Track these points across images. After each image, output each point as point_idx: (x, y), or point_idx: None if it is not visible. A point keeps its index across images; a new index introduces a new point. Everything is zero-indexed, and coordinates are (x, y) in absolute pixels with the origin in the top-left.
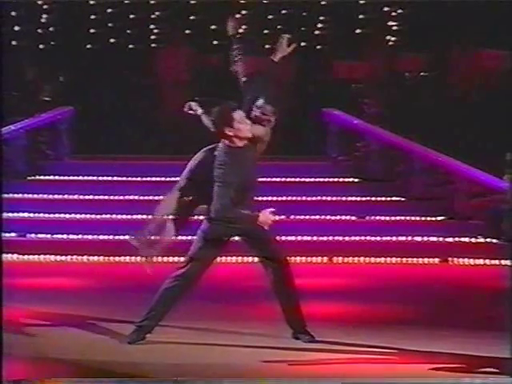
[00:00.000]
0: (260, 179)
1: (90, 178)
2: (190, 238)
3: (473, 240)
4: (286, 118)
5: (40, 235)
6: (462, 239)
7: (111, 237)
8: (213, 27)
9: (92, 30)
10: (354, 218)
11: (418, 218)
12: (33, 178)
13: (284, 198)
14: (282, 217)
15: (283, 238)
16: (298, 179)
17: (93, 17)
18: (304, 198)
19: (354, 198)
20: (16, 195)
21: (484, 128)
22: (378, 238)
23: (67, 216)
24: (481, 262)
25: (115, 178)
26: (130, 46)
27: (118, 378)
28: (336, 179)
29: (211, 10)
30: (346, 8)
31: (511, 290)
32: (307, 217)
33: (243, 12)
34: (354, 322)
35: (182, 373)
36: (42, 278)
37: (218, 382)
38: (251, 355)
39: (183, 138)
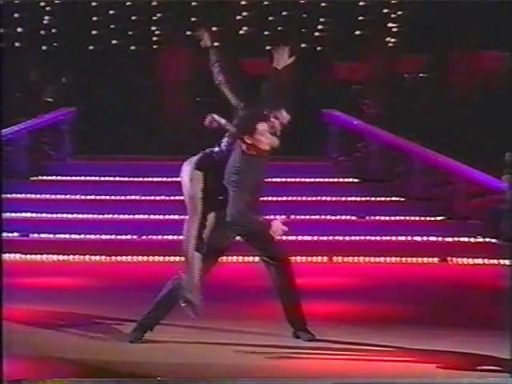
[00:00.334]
0: None
1: (92, 178)
2: None
3: (472, 240)
4: None
5: (42, 235)
6: (461, 239)
7: (113, 237)
8: (214, 29)
9: (94, 32)
10: (354, 217)
11: (417, 218)
12: (35, 178)
13: (285, 198)
14: (283, 217)
15: (283, 237)
16: (298, 179)
17: (95, 18)
18: (304, 198)
19: (354, 198)
20: (19, 195)
21: (483, 128)
22: (378, 238)
23: (69, 216)
24: (480, 261)
25: (117, 179)
26: (132, 48)
27: (118, 378)
28: (336, 179)
29: (212, 11)
30: (346, 9)
31: (510, 289)
32: (307, 217)
33: (244, 13)
34: (354, 321)
35: (183, 372)
36: (45, 278)
37: (220, 382)
38: (252, 354)
39: (185, 138)
